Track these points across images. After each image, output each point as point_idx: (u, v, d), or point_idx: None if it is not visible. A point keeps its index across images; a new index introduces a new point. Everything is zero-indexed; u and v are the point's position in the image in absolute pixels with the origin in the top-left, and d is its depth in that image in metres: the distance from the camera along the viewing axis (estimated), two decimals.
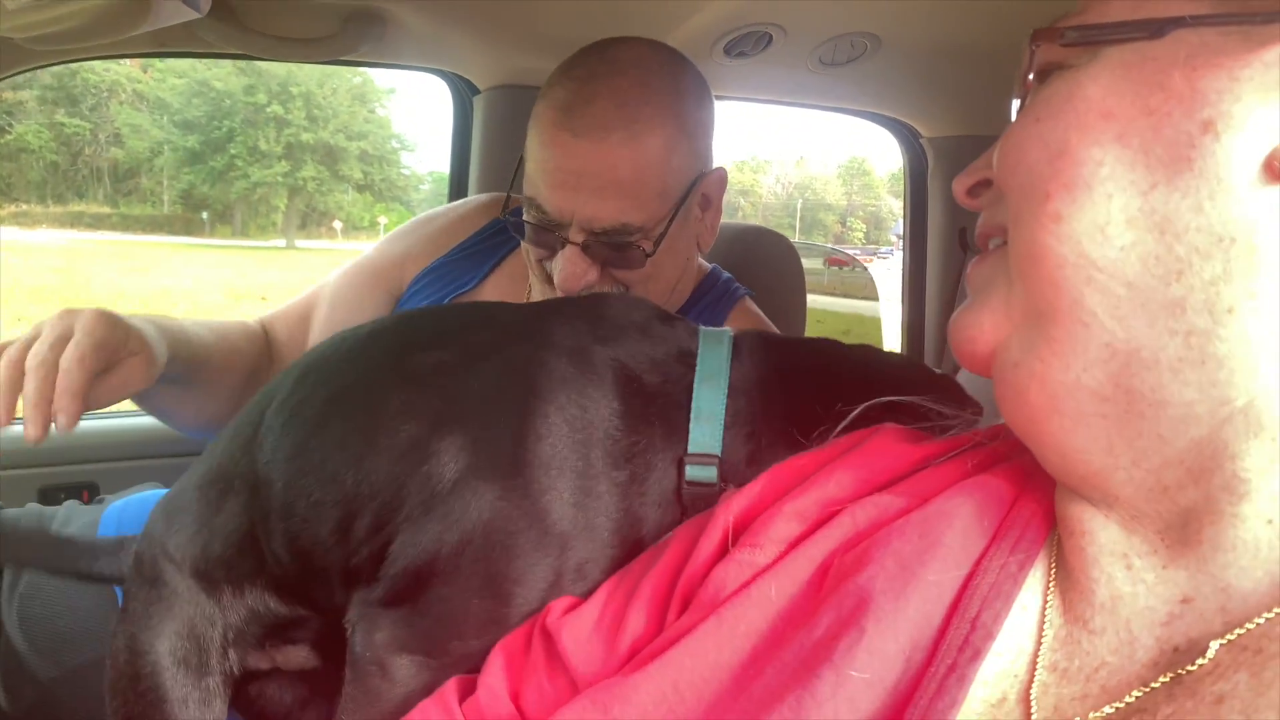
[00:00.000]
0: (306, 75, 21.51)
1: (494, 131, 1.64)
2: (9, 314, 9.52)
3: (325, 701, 0.88)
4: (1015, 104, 0.50)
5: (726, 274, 1.26)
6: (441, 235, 1.25)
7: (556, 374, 0.71)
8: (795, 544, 0.55)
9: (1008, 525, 0.51)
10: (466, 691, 0.62)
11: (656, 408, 0.71)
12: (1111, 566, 0.46)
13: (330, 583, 0.74)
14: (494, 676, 0.61)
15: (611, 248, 1.00)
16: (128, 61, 20.45)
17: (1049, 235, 0.44)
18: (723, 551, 0.57)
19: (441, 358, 0.74)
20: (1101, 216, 0.43)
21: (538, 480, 0.67)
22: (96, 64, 20.44)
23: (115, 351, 0.89)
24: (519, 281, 1.21)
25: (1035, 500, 0.52)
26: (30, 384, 0.84)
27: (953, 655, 0.46)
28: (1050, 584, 0.49)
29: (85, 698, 0.95)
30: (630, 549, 0.68)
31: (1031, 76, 0.48)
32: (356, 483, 0.70)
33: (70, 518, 1.10)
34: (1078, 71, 0.45)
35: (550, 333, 0.75)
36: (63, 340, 0.86)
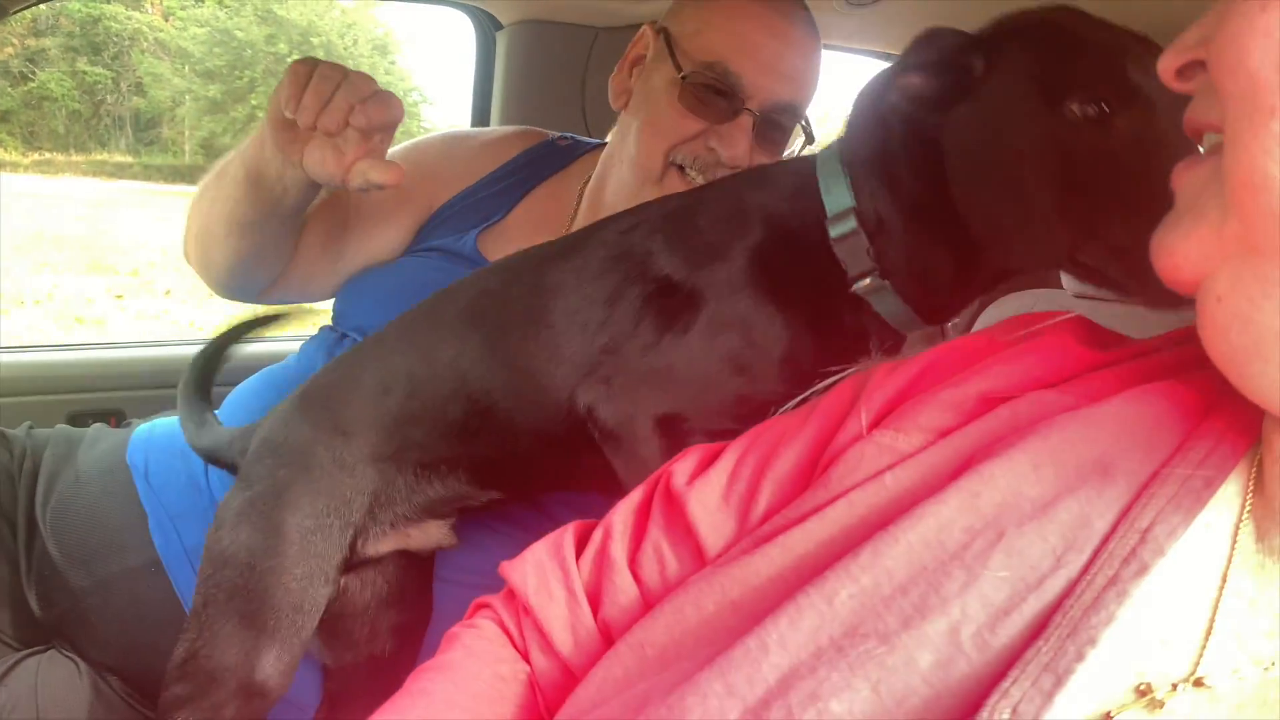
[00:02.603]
0: (328, 26, 21.34)
1: (517, 68, 1.63)
2: (33, 261, 9.59)
3: (402, 607, 0.92)
4: None
5: None
6: (473, 161, 1.24)
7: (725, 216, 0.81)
8: (944, 435, 0.50)
9: (1197, 437, 0.45)
10: (583, 540, 0.60)
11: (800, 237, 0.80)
12: None
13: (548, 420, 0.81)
14: (616, 541, 0.58)
15: (774, 127, 1.10)
16: (150, 9, 20.32)
17: (1273, 162, 0.35)
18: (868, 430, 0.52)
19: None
20: None
21: (748, 294, 0.77)
22: (119, 12, 20.30)
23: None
24: (548, 214, 1.20)
25: (1233, 413, 0.45)
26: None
27: (1115, 565, 0.40)
28: (1245, 510, 0.43)
29: (113, 606, 0.99)
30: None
31: None
32: (588, 341, 0.79)
33: (98, 439, 1.13)
34: None
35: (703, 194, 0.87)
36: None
